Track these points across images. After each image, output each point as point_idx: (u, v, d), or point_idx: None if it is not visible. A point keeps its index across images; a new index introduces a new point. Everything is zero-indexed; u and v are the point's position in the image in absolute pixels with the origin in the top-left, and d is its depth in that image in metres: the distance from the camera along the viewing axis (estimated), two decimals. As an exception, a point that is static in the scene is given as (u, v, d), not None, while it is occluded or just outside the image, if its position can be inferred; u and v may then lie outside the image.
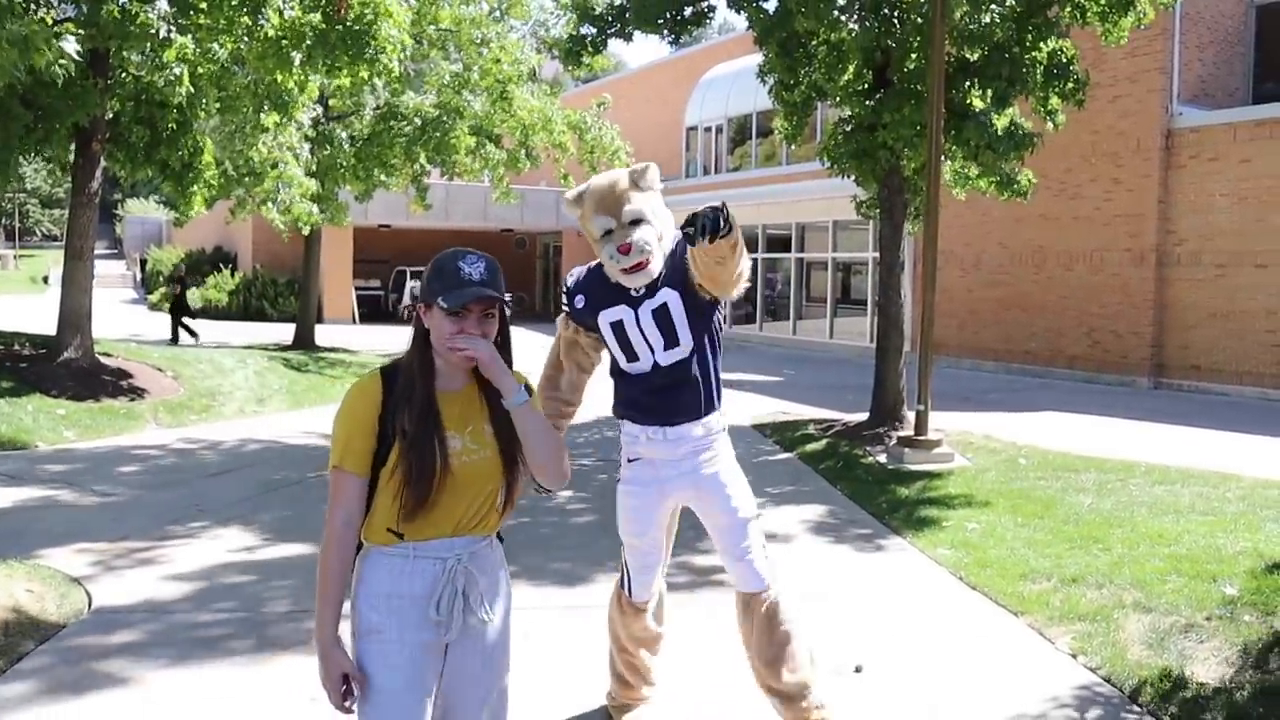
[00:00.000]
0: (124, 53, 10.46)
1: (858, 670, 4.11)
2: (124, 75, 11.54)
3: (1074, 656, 4.32)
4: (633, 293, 3.23)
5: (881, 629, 4.68)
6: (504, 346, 2.20)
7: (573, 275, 3.45)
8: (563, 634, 4.56)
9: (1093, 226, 16.34)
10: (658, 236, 3.17)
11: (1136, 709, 3.82)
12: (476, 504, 2.19)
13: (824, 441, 9.56)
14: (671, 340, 3.22)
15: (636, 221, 3.14)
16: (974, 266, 18.46)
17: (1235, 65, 16.59)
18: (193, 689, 3.88)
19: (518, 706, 3.75)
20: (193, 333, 19.97)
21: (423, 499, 2.10)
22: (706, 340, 3.29)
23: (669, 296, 3.22)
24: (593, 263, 3.41)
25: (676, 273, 3.22)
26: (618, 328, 3.27)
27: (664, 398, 3.25)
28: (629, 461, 3.38)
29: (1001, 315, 17.94)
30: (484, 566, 2.22)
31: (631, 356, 3.28)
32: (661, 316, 3.21)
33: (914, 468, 8.31)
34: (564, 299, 3.43)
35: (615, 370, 3.39)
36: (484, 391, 2.21)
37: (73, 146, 11.66)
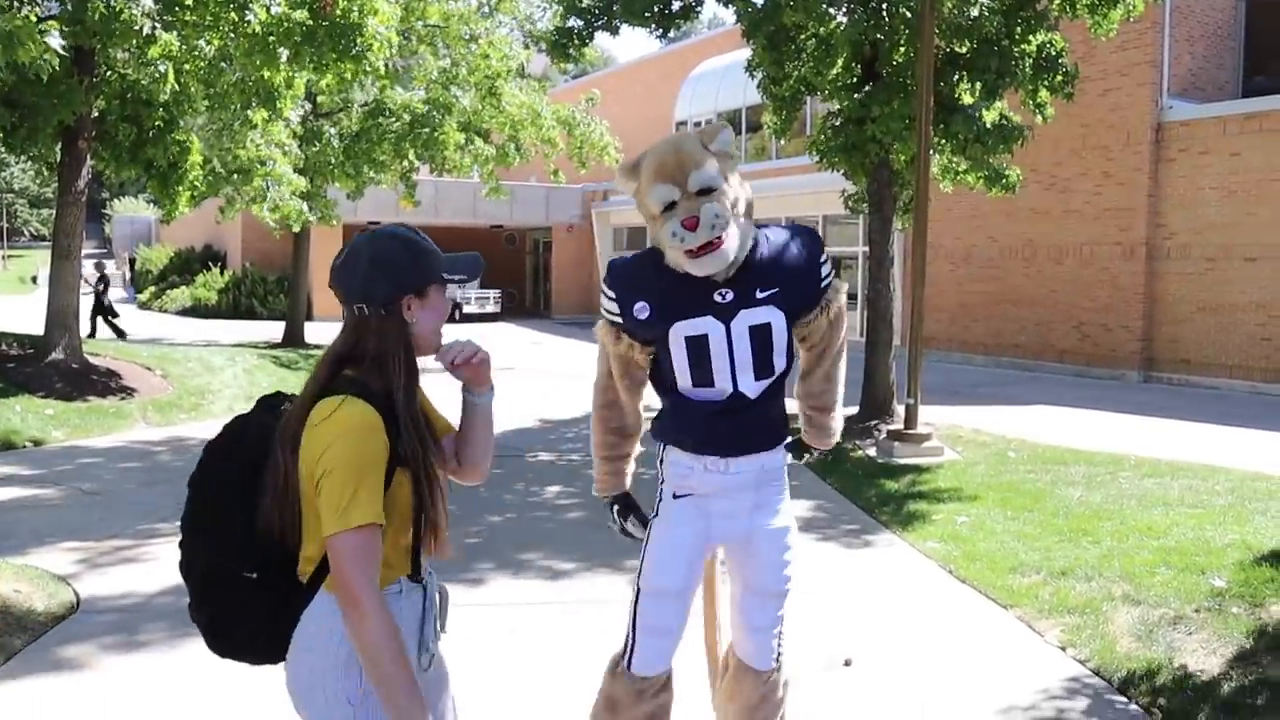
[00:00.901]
0: (109, 50, 10.40)
1: (847, 664, 4.11)
2: (109, 73, 11.47)
3: (1063, 649, 4.32)
4: (719, 298, 2.53)
5: (871, 622, 4.68)
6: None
7: (618, 271, 2.67)
8: (550, 630, 4.55)
9: (1083, 220, 16.37)
10: (732, 209, 2.49)
11: (1126, 701, 3.82)
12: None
13: (815, 436, 9.56)
14: (765, 369, 2.59)
15: (707, 190, 2.47)
16: (964, 260, 18.48)
17: (1225, 59, 16.62)
18: (181, 687, 3.86)
19: (505, 703, 3.75)
20: (120, 331, 18.89)
21: (439, 527, 1.85)
22: (791, 369, 2.72)
23: (774, 317, 2.56)
24: (631, 254, 2.78)
25: (792, 288, 2.60)
26: (697, 345, 2.55)
27: (733, 425, 2.61)
28: (674, 498, 2.69)
29: (991, 309, 17.97)
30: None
31: (704, 380, 2.58)
32: (760, 338, 2.56)
33: (903, 461, 8.32)
34: (610, 305, 2.65)
35: (666, 388, 2.69)
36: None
37: (59, 145, 11.59)
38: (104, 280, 19.69)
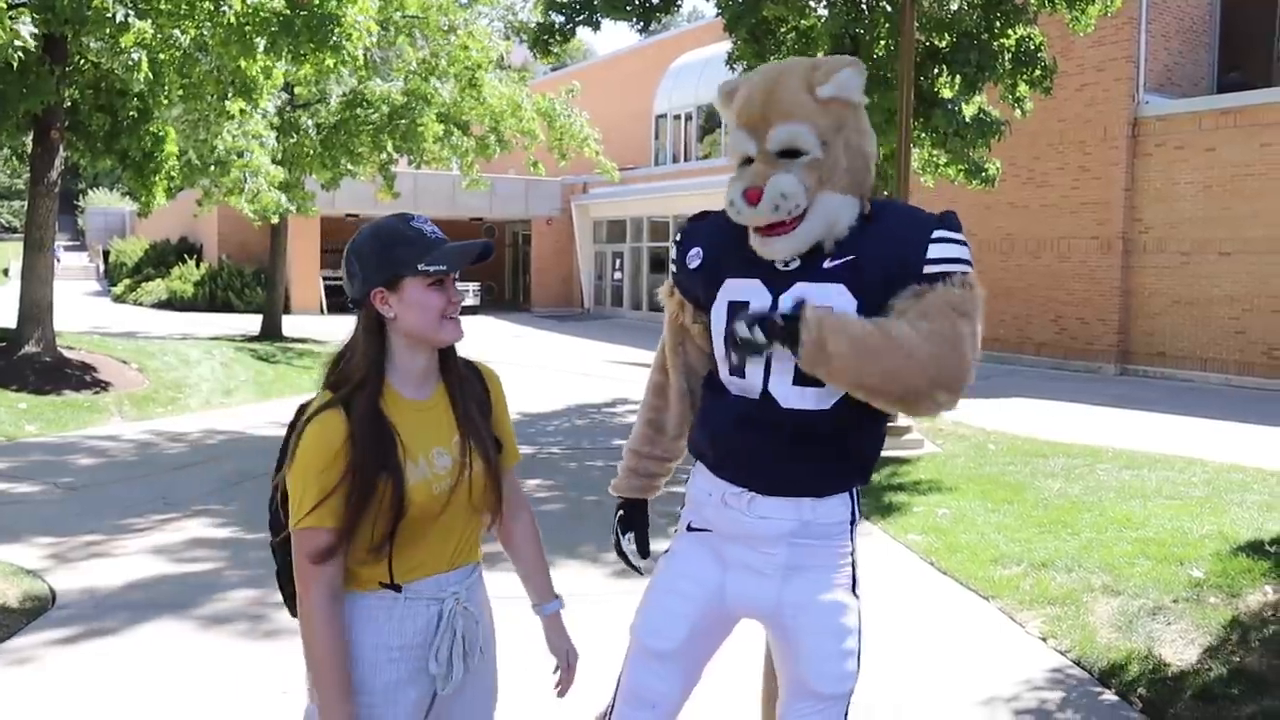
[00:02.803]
0: (81, 38, 10.25)
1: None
2: (82, 62, 11.31)
3: (1044, 640, 4.35)
4: (779, 265, 1.96)
5: (854, 615, 4.69)
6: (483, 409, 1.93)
7: (695, 217, 2.18)
8: (526, 625, 4.52)
9: (1060, 214, 16.48)
10: (823, 182, 1.91)
11: (1106, 691, 3.85)
12: (468, 531, 1.89)
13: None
14: (811, 374, 1.89)
15: (789, 153, 1.91)
16: (943, 254, 18.57)
17: (1200, 54, 16.76)
18: (159, 683, 3.81)
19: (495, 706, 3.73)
20: None
21: (388, 535, 1.78)
22: None
23: (840, 298, 1.90)
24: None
25: (877, 263, 1.91)
26: (737, 312, 1.96)
27: (761, 442, 1.98)
28: (689, 530, 2.14)
29: (970, 302, 18.06)
30: (479, 600, 1.94)
31: (738, 368, 1.99)
32: None
33: (884, 454, 8.32)
34: (673, 252, 2.17)
35: (709, 379, 2.15)
36: (451, 393, 1.88)
37: (30, 136, 11.43)
38: None
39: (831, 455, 1.98)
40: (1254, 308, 14.06)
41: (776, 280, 1.96)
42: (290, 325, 20.08)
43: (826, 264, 1.93)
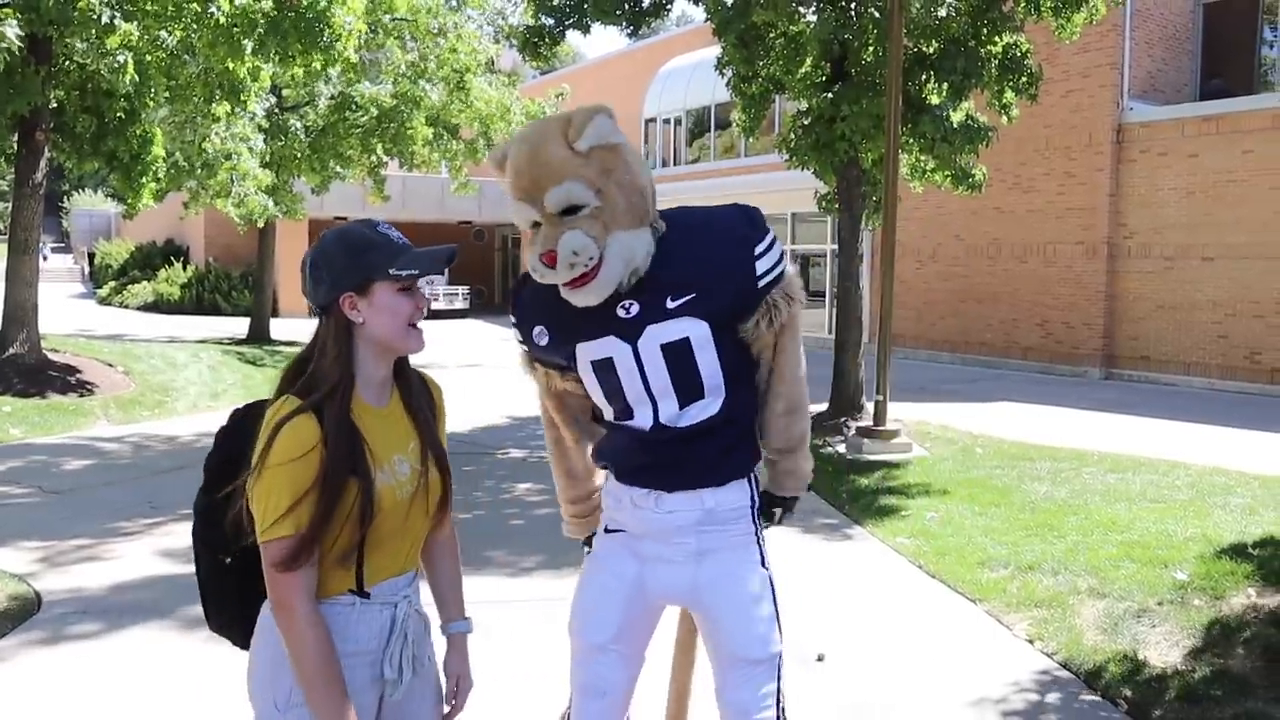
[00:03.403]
0: (66, 39, 10.20)
1: (820, 659, 4.14)
2: (67, 63, 11.25)
3: (1031, 642, 4.38)
4: (621, 312, 2.08)
5: (842, 618, 4.71)
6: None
7: (519, 292, 2.29)
8: (522, 629, 4.53)
9: (1046, 219, 16.58)
10: (610, 226, 2.02)
11: (1093, 692, 3.88)
12: (419, 537, 1.89)
13: (784, 433, 9.60)
14: (691, 391, 2.10)
15: (569, 210, 2.01)
16: (930, 259, 18.65)
17: (1183, 61, 16.90)
18: (145, 687, 3.80)
19: (480, 705, 3.73)
20: None
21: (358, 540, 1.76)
22: (754, 380, 2.21)
23: (693, 329, 2.07)
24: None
25: (714, 289, 2.07)
26: (605, 370, 2.13)
27: (660, 456, 2.16)
28: (606, 531, 2.32)
29: (957, 307, 18.15)
30: (418, 601, 1.93)
31: (623, 411, 2.18)
32: (678, 357, 2.08)
33: (873, 458, 8.39)
34: (515, 332, 2.30)
35: (598, 413, 2.32)
36: (407, 400, 1.88)
37: (15, 137, 11.36)
38: None
39: (723, 449, 2.17)
40: (1236, 312, 14.18)
41: (626, 331, 2.09)
42: (278, 328, 20.02)
43: (670, 303, 2.06)
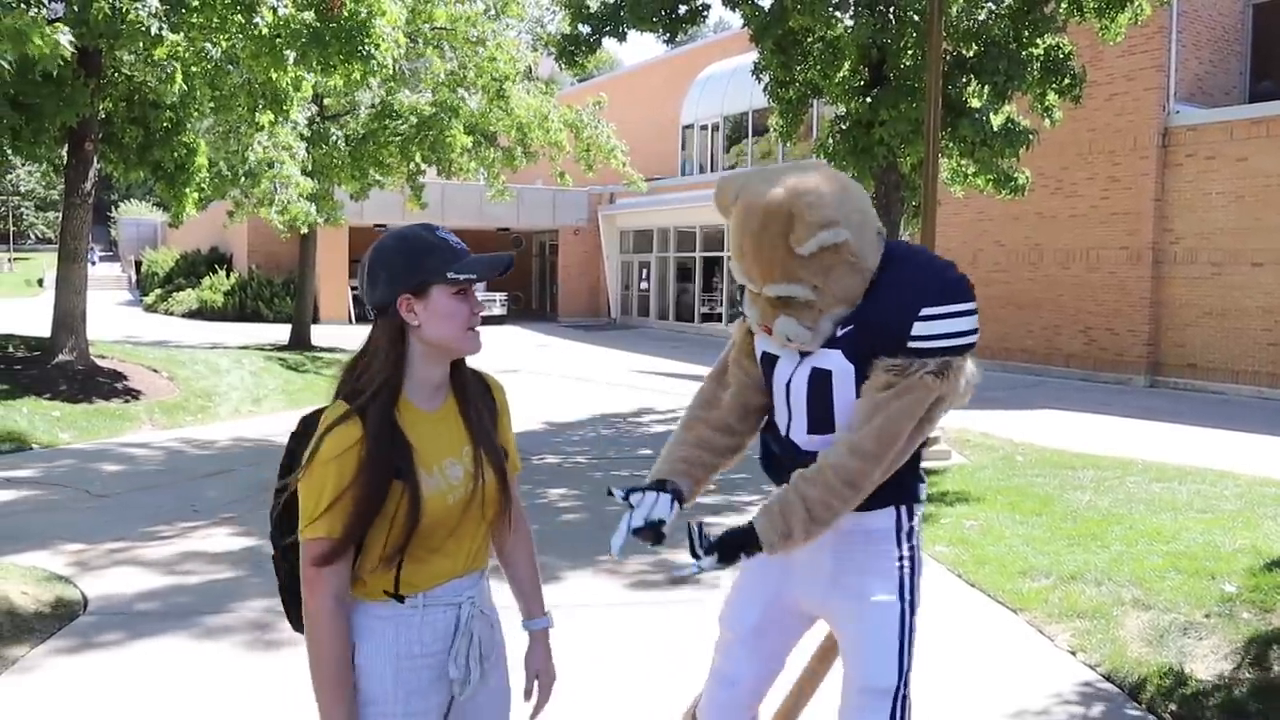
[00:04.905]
0: (115, 51, 10.42)
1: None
2: (115, 74, 11.49)
3: (1073, 654, 4.30)
4: None
5: (880, 627, 4.65)
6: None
7: None
8: (551, 633, 4.52)
9: (1089, 224, 16.34)
10: (819, 314, 2.04)
11: (1137, 706, 3.80)
12: (479, 538, 1.90)
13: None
14: (822, 423, 2.11)
15: (784, 300, 2.05)
16: (970, 264, 18.44)
17: (1231, 64, 16.59)
18: (189, 688, 3.85)
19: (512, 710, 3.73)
20: None
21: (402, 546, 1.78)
22: None
23: (837, 364, 2.07)
24: None
25: (870, 333, 2.04)
26: (767, 364, 2.21)
27: (790, 475, 2.17)
28: None
29: (998, 313, 17.94)
30: (488, 603, 1.94)
31: (776, 414, 2.23)
32: (818, 387, 2.10)
33: (911, 466, 8.29)
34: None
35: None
36: (462, 403, 1.88)
37: (65, 148, 11.63)
38: None
39: None
40: (1288, 319, 13.87)
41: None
42: (319, 335, 20.26)
43: (837, 332, 2.07)
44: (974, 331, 2.05)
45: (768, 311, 2.06)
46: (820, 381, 2.08)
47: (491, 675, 1.93)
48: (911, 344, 2.00)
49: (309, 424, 1.88)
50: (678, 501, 2.18)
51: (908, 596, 2.18)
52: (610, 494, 2.22)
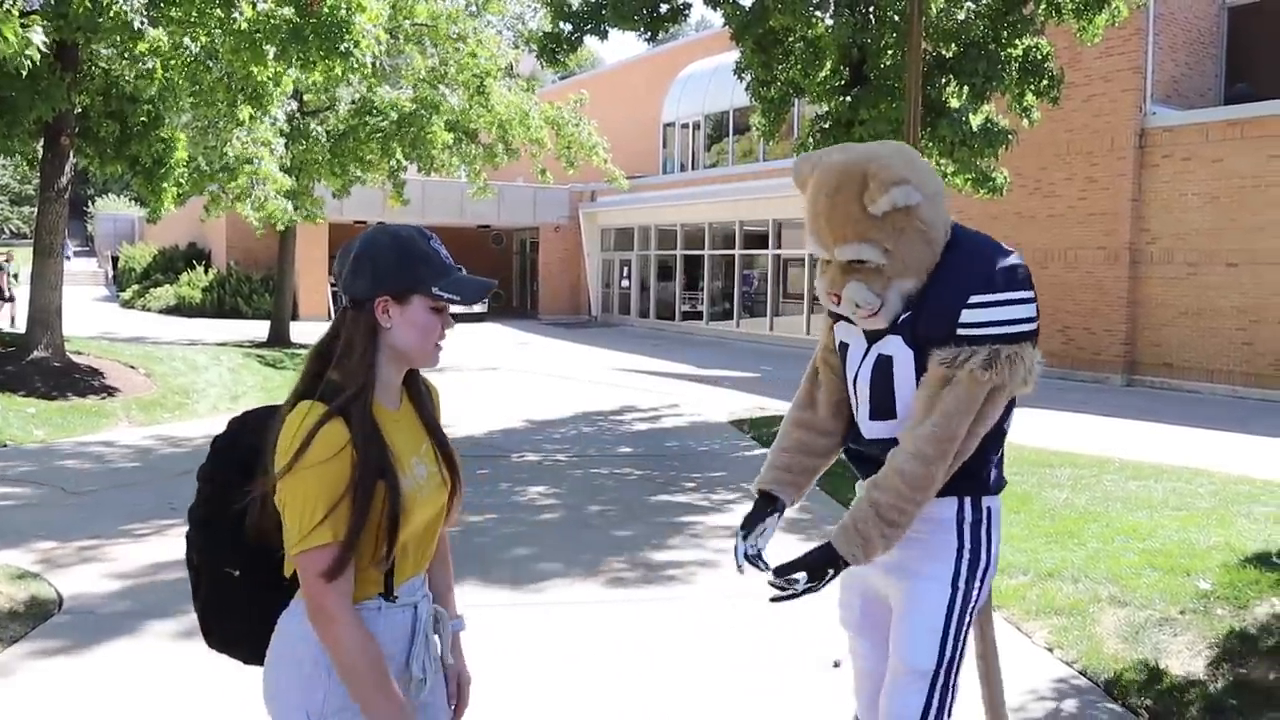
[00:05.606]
0: (93, 46, 10.31)
1: (837, 665, 4.11)
2: (93, 69, 11.38)
3: (1051, 650, 4.34)
4: None
5: (859, 624, 4.68)
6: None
7: None
8: (527, 631, 4.53)
9: (1067, 224, 16.47)
10: (892, 278, 2.07)
11: (1113, 702, 3.84)
12: (434, 536, 1.89)
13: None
14: (884, 410, 2.16)
15: (856, 263, 2.08)
16: (950, 264, 18.57)
17: (1207, 66, 16.76)
18: (165, 687, 3.82)
19: (483, 707, 3.73)
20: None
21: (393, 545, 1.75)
22: None
23: (898, 350, 2.11)
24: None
25: (926, 319, 2.07)
26: (844, 353, 2.27)
27: (858, 464, 2.30)
28: None
29: (977, 312, 18.06)
30: (433, 598, 1.94)
31: (851, 403, 2.30)
32: (882, 372, 2.15)
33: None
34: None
35: None
36: (417, 404, 1.88)
37: (41, 142, 11.50)
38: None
39: None
40: (1261, 319, 14.03)
41: (867, 334, 2.18)
42: (298, 331, 20.14)
43: (902, 318, 2.10)
44: (1027, 320, 2.08)
45: (837, 279, 2.09)
46: (884, 368, 2.12)
47: (441, 673, 1.93)
48: (960, 331, 2.03)
49: (239, 429, 1.84)
50: (777, 513, 2.36)
51: (961, 586, 2.19)
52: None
